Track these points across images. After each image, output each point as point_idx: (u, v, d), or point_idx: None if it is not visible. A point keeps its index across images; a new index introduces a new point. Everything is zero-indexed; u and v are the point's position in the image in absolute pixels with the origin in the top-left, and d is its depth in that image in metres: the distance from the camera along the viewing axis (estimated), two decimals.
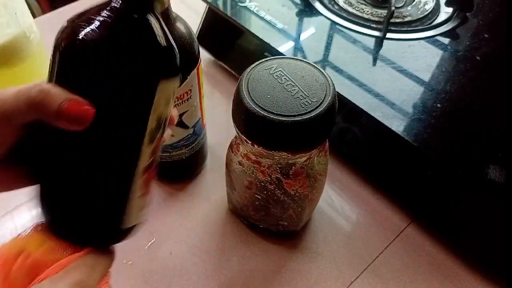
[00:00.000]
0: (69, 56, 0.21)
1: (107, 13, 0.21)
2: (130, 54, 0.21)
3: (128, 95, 0.22)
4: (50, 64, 0.22)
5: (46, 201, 0.24)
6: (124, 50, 0.21)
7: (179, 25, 0.35)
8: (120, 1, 0.21)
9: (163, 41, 0.22)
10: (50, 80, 0.22)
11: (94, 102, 0.21)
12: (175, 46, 0.23)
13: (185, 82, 0.36)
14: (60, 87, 0.21)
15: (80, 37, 0.21)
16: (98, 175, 0.23)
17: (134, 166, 0.23)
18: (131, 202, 0.24)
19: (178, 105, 0.37)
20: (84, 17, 0.21)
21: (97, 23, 0.21)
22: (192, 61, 0.37)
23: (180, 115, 0.39)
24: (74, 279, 0.22)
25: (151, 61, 0.22)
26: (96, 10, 0.21)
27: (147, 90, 0.22)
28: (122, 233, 0.25)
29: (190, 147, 0.43)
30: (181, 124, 0.40)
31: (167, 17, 0.33)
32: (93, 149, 0.22)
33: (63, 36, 0.21)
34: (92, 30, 0.21)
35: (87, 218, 0.24)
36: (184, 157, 0.44)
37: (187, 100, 0.38)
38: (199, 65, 0.38)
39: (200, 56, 0.38)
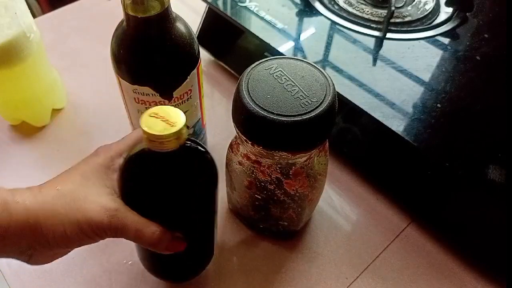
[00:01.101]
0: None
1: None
2: (201, 183, 0.31)
3: (206, 203, 0.33)
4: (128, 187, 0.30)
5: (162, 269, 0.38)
6: (196, 183, 0.31)
7: (179, 25, 0.35)
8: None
9: (214, 167, 0.32)
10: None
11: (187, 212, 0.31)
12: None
13: (185, 82, 0.36)
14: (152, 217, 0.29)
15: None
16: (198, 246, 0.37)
17: (213, 232, 0.38)
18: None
19: (177, 105, 0.37)
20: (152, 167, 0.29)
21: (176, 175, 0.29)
22: (192, 61, 0.37)
23: None
24: None
25: (212, 181, 0.32)
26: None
27: (213, 197, 0.33)
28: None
29: None
30: None
31: (167, 17, 0.33)
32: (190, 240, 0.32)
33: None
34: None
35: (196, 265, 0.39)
36: None
37: (187, 100, 0.38)
38: (199, 65, 0.38)
39: (200, 56, 0.38)
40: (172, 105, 0.36)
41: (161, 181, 0.29)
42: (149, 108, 0.37)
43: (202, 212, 0.33)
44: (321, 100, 0.31)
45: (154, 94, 0.36)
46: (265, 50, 0.51)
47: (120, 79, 0.36)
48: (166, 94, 0.36)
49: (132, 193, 0.30)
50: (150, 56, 0.34)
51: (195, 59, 0.37)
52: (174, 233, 0.30)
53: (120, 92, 0.38)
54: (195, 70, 0.37)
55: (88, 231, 0.27)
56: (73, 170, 0.30)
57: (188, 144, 0.30)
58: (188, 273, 0.39)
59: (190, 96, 0.38)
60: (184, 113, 0.38)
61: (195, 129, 0.42)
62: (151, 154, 0.27)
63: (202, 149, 0.32)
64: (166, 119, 0.26)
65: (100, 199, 0.28)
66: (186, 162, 0.29)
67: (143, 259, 0.38)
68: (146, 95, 0.36)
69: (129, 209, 0.29)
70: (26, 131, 0.52)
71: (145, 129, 0.25)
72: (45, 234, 0.27)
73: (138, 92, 0.36)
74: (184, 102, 0.38)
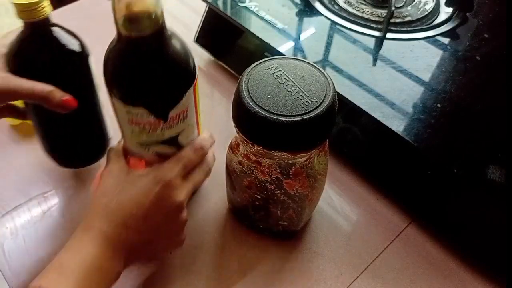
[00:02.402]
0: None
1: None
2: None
3: (80, 73, 0.40)
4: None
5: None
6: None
7: (174, 42, 0.33)
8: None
9: (82, 44, 0.40)
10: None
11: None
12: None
13: (180, 103, 0.34)
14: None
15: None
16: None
17: (100, 114, 0.43)
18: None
19: (172, 126, 0.35)
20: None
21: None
22: (187, 80, 0.35)
23: (176, 136, 0.37)
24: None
25: (82, 55, 0.40)
26: None
27: (86, 69, 0.40)
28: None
29: None
30: (175, 143, 0.37)
31: (162, 35, 0.32)
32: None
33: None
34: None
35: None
36: None
37: (183, 120, 0.36)
38: (195, 83, 0.36)
39: (197, 73, 0.36)
40: (167, 126, 0.35)
41: (40, 51, 0.37)
42: (143, 129, 0.35)
43: (80, 81, 0.40)
44: (321, 100, 0.31)
45: (149, 115, 0.34)
46: (265, 50, 0.51)
47: (113, 98, 0.34)
48: (161, 115, 0.34)
49: (21, 67, 0.37)
50: (143, 76, 0.33)
51: (191, 77, 0.35)
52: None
53: (114, 112, 0.36)
54: (191, 89, 0.35)
55: None
56: None
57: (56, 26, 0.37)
58: (84, 158, 0.46)
59: (186, 115, 0.36)
60: (179, 133, 0.36)
61: None
62: (27, 31, 0.36)
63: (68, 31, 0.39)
64: None
65: None
66: (53, 34, 0.37)
67: (43, 142, 0.43)
68: (141, 116, 0.34)
69: (19, 77, 0.35)
70: (26, 131, 0.52)
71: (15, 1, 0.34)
72: None
73: (132, 113, 0.34)
74: (180, 122, 0.36)
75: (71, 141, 0.43)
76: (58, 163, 0.45)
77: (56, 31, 0.37)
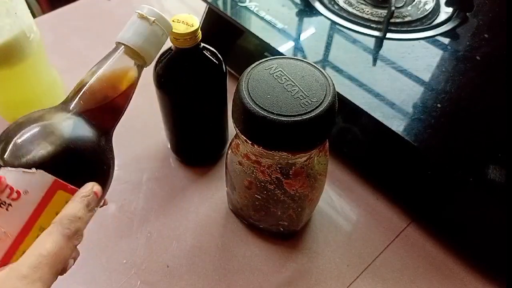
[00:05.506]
0: None
1: None
2: None
3: (219, 90, 0.44)
4: None
5: None
6: None
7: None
8: None
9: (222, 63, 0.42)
10: None
11: None
12: None
13: None
14: None
15: None
16: None
17: (225, 122, 0.48)
18: None
19: None
20: None
21: None
22: None
23: None
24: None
25: (223, 74, 0.43)
26: None
27: (224, 87, 0.44)
28: None
29: None
30: None
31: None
32: None
33: None
34: None
35: None
36: None
37: None
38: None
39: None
40: None
41: (187, 71, 0.40)
42: None
43: (217, 98, 0.43)
44: (321, 100, 0.31)
45: None
46: (265, 50, 0.51)
47: None
48: None
49: (172, 87, 0.41)
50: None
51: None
52: None
53: None
54: None
55: None
56: None
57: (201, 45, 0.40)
58: (206, 157, 0.50)
59: None
60: None
61: None
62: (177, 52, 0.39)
63: (213, 49, 0.42)
64: (185, 23, 0.37)
65: None
66: (204, 56, 0.40)
67: (172, 144, 0.49)
68: None
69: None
70: None
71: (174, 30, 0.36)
72: None
73: None
74: None
75: (199, 143, 0.48)
76: (184, 161, 0.50)
77: (204, 53, 0.40)
